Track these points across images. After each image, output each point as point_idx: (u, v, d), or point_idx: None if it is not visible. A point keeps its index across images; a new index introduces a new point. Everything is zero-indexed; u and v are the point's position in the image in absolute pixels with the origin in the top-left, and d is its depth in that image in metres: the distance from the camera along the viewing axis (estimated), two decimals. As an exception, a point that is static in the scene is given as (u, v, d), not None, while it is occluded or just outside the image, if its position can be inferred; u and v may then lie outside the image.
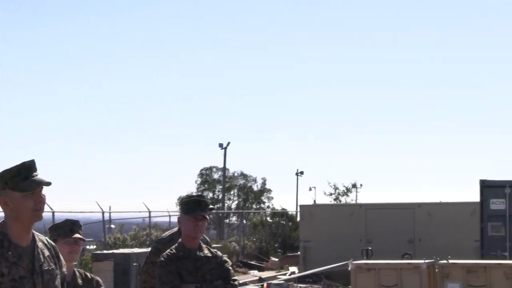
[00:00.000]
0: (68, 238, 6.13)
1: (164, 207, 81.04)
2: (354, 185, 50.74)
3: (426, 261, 16.38)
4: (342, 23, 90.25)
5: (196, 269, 6.38)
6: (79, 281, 6.16)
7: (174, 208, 47.47)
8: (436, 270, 16.39)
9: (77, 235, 6.16)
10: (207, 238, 7.35)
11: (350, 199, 50.09)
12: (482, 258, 19.13)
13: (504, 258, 18.92)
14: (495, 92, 79.86)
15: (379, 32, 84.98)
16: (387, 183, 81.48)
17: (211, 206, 6.79)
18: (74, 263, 6.29)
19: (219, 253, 6.60)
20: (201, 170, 68.13)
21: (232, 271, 6.58)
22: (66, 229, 6.18)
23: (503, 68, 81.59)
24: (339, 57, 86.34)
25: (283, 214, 45.80)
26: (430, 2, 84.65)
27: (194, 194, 7.43)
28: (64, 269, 4.59)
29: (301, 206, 32.72)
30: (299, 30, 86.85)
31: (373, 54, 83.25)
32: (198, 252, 6.45)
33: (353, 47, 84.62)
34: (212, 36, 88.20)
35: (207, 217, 6.54)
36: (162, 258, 6.42)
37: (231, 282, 6.45)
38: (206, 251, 6.50)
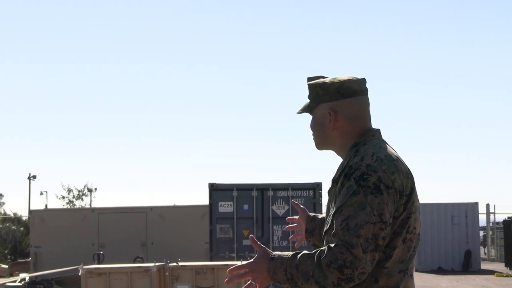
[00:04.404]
0: None
1: None
2: (89, 189, 50.43)
3: (157, 264, 16.57)
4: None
5: None
6: None
7: None
8: (167, 273, 16.64)
9: None
10: None
11: (84, 203, 49.73)
12: (211, 260, 19.64)
13: (232, 259, 19.55)
14: (218, 92, 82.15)
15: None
16: (122, 187, 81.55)
17: None
18: None
19: None
20: None
21: None
22: None
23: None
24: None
25: (14, 219, 44.57)
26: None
27: None
28: None
29: (32, 211, 31.98)
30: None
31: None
32: None
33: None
34: None
35: None
36: None
37: None
38: None
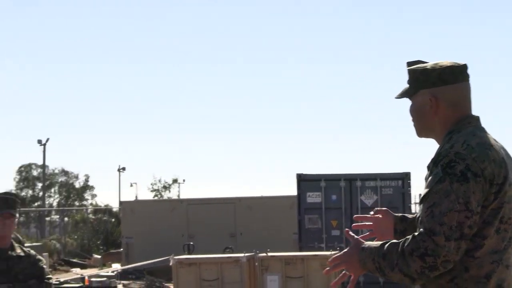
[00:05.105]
0: None
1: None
2: (175, 180, 51.02)
3: (246, 254, 16.66)
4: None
5: (8, 269, 6.26)
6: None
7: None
8: (256, 263, 16.71)
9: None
10: (20, 237, 7.21)
11: (172, 194, 50.37)
12: (300, 250, 19.65)
13: (321, 249, 19.53)
14: (309, 84, 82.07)
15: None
16: (209, 179, 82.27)
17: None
18: None
19: (32, 252, 6.50)
20: (20, 167, 66.51)
21: (46, 269, 6.49)
22: None
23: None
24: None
25: (106, 210, 45.40)
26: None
27: (7, 192, 7.16)
28: None
29: (122, 203, 32.51)
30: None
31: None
32: (9, 252, 6.33)
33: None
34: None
35: (15, 214, 6.42)
36: (-29, 260, 6.26)
37: (46, 280, 6.37)
38: (18, 250, 6.39)
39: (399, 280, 3.44)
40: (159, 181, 49.77)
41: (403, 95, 3.77)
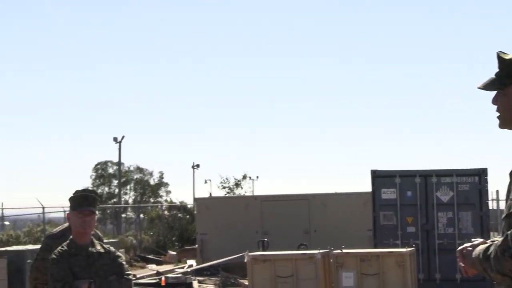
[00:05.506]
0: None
1: (60, 203, 79.82)
2: (244, 177, 51.10)
3: (321, 251, 16.62)
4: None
5: (89, 265, 6.34)
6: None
7: (69, 204, 46.85)
8: (331, 260, 16.67)
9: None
10: (99, 234, 7.31)
11: (244, 191, 50.48)
12: (375, 247, 19.51)
13: (396, 246, 19.35)
14: (383, 82, 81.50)
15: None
16: (283, 175, 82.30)
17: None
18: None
19: (112, 248, 6.57)
20: (96, 164, 67.47)
21: (126, 265, 6.56)
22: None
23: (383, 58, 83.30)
24: (232, 52, 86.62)
25: (180, 207, 45.74)
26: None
27: (86, 189, 7.21)
28: None
29: (197, 199, 32.73)
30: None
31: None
32: (90, 248, 6.41)
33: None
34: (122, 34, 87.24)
35: (95, 211, 6.49)
36: (54, 256, 6.35)
37: (125, 276, 6.44)
38: (98, 247, 6.47)
39: (501, 280, 3.47)
40: (227, 179, 49.96)
41: (492, 86, 3.69)
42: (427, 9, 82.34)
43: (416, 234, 19.82)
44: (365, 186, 22.00)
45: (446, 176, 20.32)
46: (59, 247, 6.42)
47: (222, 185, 49.96)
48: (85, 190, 6.76)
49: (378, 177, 20.53)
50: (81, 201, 6.46)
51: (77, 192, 6.67)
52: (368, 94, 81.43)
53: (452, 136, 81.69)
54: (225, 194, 48.18)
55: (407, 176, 20.49)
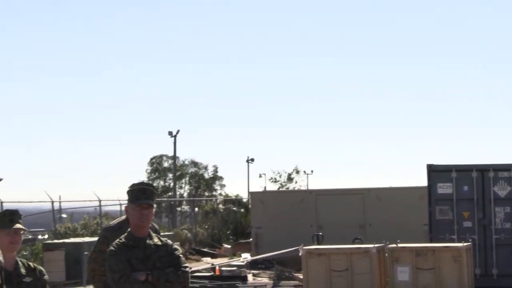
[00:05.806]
0: (8, 229, 6.11)
1: (116, 196, 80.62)
2: (297, 171, 51.00)
3: (376, 245, 16.55)
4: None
5: (147, 257, 6.39)
6: (22, 270, 6.15)
7: (125, 197, 47.29)
8: (386, 254, 16.60)
9: (17, 225, 6.13)
10: (156, 226, 7.34)
11: (298, 185, 50.41)
12: (431, 242, 19.36)
13: (452, 241, 19.19)
14: (439, 79, 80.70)
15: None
16: (337, 169, 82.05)
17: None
18: (15, 253, 6.23)
19: (169, 241, 6.59)
20: (152, 158, 67.95)
21: (183, 258, 6.59)
22: (5, 219, 6.16)
23: (444, 53, 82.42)
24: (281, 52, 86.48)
25: (235, 201, 45.86)
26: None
27: (143, 182, 7.23)
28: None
29: (251, 193, 32.84)
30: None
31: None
32: (147, 241, 6.45)
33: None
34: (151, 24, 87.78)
35: (153, 205, 6.52)
36: (112, 248, 6.41)
37: (182, 269, 6.47)
38: (155, 240, 6.50)
39: None
40: (279, 173, 49.93)
41: None
42: (427, 9, 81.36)
43: (472, 229, 19.60)
44: (422, 180, 21.79)
45: (504, 170, 20.06)
46: (117, 240, 6.47)
47: (274, 179, 49.99)
48: (142, 183, 6.78)
49: (434, 171, 20.34)
50: (139, 194, 6.49)
51: (134, 185, 6.68)
52: (426, 89, 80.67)
53: (509, 130, 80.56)
54: (278, 189, 48.18)
55: (463, 170, 20.27)
